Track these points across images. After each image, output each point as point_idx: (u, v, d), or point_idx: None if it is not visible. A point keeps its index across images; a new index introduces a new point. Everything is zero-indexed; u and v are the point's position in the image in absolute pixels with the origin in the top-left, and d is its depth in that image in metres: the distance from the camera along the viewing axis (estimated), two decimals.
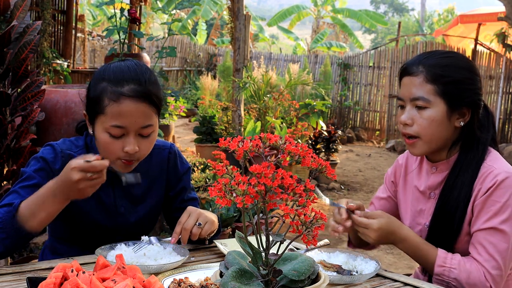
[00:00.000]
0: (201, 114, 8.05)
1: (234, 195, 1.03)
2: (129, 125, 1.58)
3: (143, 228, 1.82)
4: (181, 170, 1.87)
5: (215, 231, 1.75)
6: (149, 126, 1.62)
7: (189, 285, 1.29)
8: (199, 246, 1.76)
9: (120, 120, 1.58)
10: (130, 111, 1.58)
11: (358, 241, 1.90)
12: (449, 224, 1.66)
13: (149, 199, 1.81)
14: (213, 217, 1.73)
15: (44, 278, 1.19)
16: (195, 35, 21.08)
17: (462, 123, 1.66)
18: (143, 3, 6.23)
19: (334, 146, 7.60)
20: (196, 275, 1.43)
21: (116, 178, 1.66)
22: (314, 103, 8.32)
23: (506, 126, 11.25)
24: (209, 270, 1.48)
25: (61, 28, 7.32)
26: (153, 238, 1.66)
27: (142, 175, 1.71)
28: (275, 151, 1.11)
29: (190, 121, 11.99)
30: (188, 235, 1.63)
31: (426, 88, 1.64)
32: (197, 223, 1.63)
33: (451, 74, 1.64)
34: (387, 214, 1.64)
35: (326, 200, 1.58)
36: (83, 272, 1.18)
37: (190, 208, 1.70)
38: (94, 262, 1.33)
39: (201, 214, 1.67)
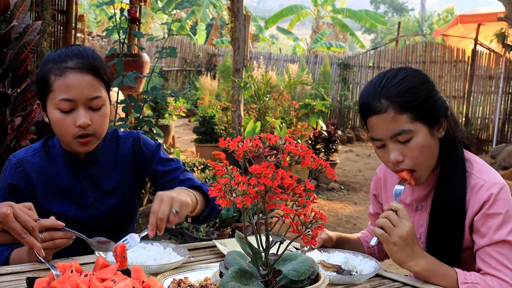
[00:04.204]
0: (201, 114, 8.06)
1: (234, 195, 1.03)
2: (77, 97, 1.63)
3: (121, 220, 1.84)
4: (148, 152, 1.85)
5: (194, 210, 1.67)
6: (97, 97, 1.66)
7: (188, 285, 1.29)
8: (199, 245, 1.77)
9: (67, 93, 1.63)
10: (76, 83, 1.63)
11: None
12: (449, 233, 1.61)
13: (120, 189, 1.82)
14: (188, 196, 1.62)
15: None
16: (194, 35, 21.08)
17: (443, 133, 1.62)
18: (143, 3, 6.23)
19: (334, 146, 7.60)
20: (195, 275, 1.43)
21: (82, 170, 1.75)
22: (314, 103, 8.32)
23: (506, 126, 11.26)
24: (209, 270, 1.48)
25: (61, 28, 7.31)
26: (131, 237, 1.57)
27: (113, 166, 1.78)
28: (275, 151, 1.11)
29: (190, 121, 12.00)
30: (165, 225, 1.52)
31: (401, 119, 1.55)
32: (173, 210, 1.52)
33: (417, 96, 1.56)
34: (407, 224, 1.51)
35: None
36: (86, 275, 1.18)
37: (160, 193, 1.57)
38: (94, 262, 1.33)
39: (174, 199, 1.55)
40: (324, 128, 8.07)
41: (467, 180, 1.61)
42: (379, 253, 1.93)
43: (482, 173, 1.61)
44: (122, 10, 4.01)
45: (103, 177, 1.79)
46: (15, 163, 1.73)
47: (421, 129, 1.57)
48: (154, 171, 1.86)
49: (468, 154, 1.68)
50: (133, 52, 5.47)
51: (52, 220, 1.49)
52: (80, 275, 1.18)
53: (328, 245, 1.75)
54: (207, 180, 4.94)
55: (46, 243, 1.48)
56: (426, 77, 1.63)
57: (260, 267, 1.14)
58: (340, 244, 1.81)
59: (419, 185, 1.68)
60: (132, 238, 1.56)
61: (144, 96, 4.06)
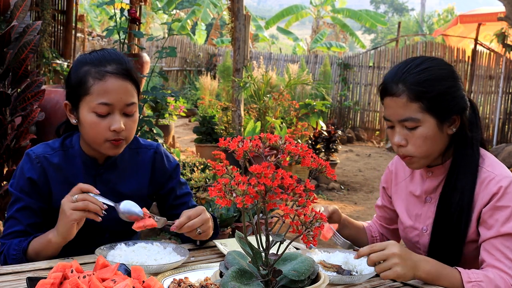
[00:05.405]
0: (201, 114, 8.05)
1: (234, 195, 1.03)
2: (115, 102, 1.64)
3: (131, 225, 1.82)
4: (169, 168, 1.88)
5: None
6: (133, 104, 1.68)
7: (189, 285, 1.29)
8: (198, 246, 1.77)
9: (107, 97, 1.63)
10: (116, 88, 1.64)
11: None
12: (453, 229, 1.62)
13: (135, 197, 1.80)
14: (211, 228, 1.73)
15: (44, 278, 1.19)
16: (194, 34, 21.07)
17: (454, 130, 1.64)
18: (143, 3, 6.23)
19: (334, 146, 7.60)
20: (196, 275, 1.43)
21: (99, 174, 1.75)
22: (314, 103, 8.32)
23: (506, 126, 11.25)
24: (209, 270, 1.48)
25: (61, 28, 7.32)
26: (160, 220, 1.65)
27: (130, 173, 1.79)
28: (275, 151, 1.11)
29: (190, 121, 12.00)
30: (187, 231, 1.64)
31: (412, 107, 1.58)
32: (199, 230, 1.65)
33: (434, 88, 1.58)
34: (391, 241, 1.54)
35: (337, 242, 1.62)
36: (84, 277, 1.17)
37: (203, 210, 1.69)
38: (94, 262, 1.33)
39: (207, 221, 1.67)
40: (324, 128, 8.06)
41: (477, 174, 1.63)
42: None
43: (493, 167, 1.63)
44: (122, 10, 4.02)
45: (120, 183, 1.79)
46: (34, 158, 1.71)
47: (429, 121, 1.59)
48: (171, 190, 1.88)
49: (480, 150, 1.69)
50: (133, 52, 5.47)
51: (90, 186, 1.56)
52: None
53: (335, 218, 1.78)
54: (207, 180, 4.93)
55: (78, 203, 1.52)
56: (451, 72, 1.64)
57: (260, 267, 1.14)
58: (345, 225, 1.85)
59: (414, 169, 1.74)
60: (161, 221, 1.64)
61: (144, 96, 4.06)
